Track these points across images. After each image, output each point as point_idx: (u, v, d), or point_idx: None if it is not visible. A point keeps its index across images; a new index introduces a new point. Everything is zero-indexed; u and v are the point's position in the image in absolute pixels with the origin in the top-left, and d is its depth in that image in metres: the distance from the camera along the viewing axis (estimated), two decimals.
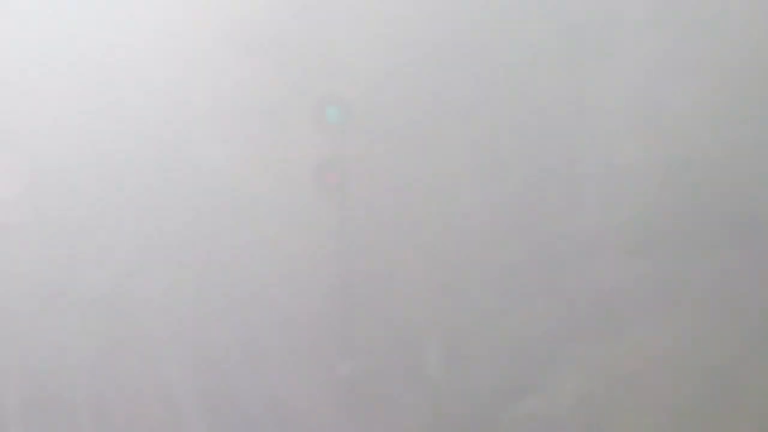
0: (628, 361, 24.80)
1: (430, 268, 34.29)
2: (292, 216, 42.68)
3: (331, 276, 33.68)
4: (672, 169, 24.96)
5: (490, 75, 32.36)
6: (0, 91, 64.17)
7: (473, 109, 33.28)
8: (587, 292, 28.16)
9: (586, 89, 29.75)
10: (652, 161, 26.52)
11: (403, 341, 30.84)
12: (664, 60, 28.09)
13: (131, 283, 47.44)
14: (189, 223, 53.33)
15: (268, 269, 41.93)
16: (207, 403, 31.20)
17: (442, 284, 32.97)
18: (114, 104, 64.63)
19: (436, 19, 34.16)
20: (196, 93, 58.53)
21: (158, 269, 48.52)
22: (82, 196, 58.67)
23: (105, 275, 49.16)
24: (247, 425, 29.43)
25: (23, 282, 44.34)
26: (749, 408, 21.08)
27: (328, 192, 29.91)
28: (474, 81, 33.34)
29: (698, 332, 23.49)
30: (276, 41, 45.37)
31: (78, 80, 66.25)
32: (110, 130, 64.15)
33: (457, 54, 33.51)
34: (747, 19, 25.03)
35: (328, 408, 30.18)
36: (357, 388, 30.79)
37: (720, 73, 25.64)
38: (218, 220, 51.48)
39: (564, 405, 25.45)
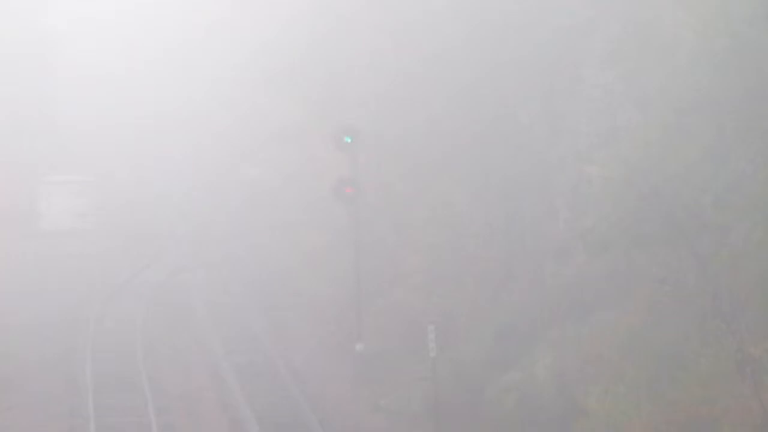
0: (592, 341, 25.45)
1: (429, 263, 34.94)
2: (316, 220, 43.62)
3: (347, 269, 34.65)
4: (629, 181, 24.50)
5: (480, 104, 32.78)
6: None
7: (465, 130, 33.78)
8: (559, 285, 29.01)
9: (558, 115, 30.79)
10: (612, 175, 26.40)
11: (406, 324, 31.67)
12: (622, 89, 28.23)
13: (181, 277, 49.50)
14: (234, 227, 55.43)
15: (295, 263, 43.60)
16: (244, 374, 32.49)
17: (439, 277, 33.86)
18: (183, 139, 68.04)
19: (432, 63, 35.18)
20: (241, 125, 61.24)
21: (209, 261, 50.62)
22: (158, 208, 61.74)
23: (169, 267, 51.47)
24: (278, 393, 30.70)
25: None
26: (691, 379, 22.00)
27: (345, 201, 31.91)
28: (465, 108, 33.59)
29: (649, 317, 24.08)
30: (301, 83, 46.97)
31: (155, 125, 70.66)
32: (180, 156, 67.40)
33: (450, 90, 34.22)
34: (693, 55, 25.07)
35: (345, 378, 32.02)
36: (368, 362, 32.46)
37: (669, 101, 25.42)
38: (256, 223, 53.40)
39: (540, 377, 26.15)
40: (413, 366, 29.57)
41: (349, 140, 30.74)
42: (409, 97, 36.76)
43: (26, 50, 66.11)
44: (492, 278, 31.83)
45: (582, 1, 30.15)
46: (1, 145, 60.85)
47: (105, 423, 28.81)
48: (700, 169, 24.05)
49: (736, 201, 22.67)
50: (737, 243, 22.53)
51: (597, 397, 23.97)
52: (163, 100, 74.30)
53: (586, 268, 28.15)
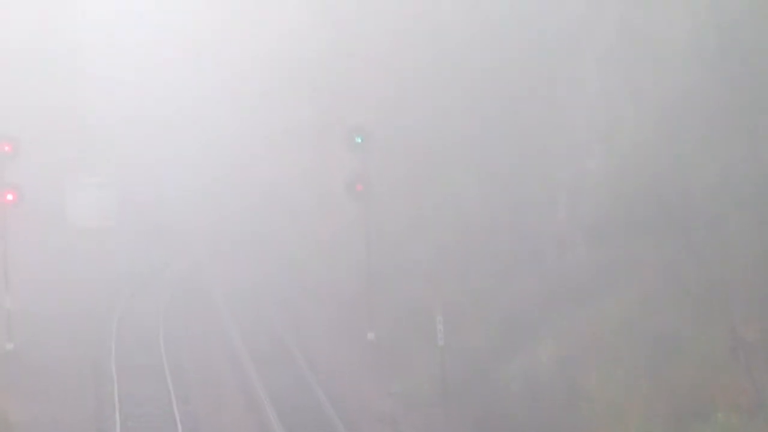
0: (592, 327, 25.35)
1: (437, 255, 34.80)
2: (330, 216, 43.39)
3: (359, 262, 35.01)
4: (626, 174, 25.09)
5: (485, 105, 32.86)
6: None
7: (470, 126, 33.84)
8: (560, 274, 29.10)
9: (559, 111, 30.56)
10: (610, 168, 27.20)
11: (415, 313, 31.60)
12: (619, 88, 28.11)
13: (201, 268, 49.70)
14: (253, 222, 55.67)
15: (310, 256, 43.69)
16: (263, 360, 32.68)
17: (447, 268, 33.64)
18: (202, 139, 68.23)
19: (440, 62, 35.65)
20: (256, 126, 61.43)
21: (226, 256, 50.84)
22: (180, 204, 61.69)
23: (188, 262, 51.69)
24: (295, 379, 30.66)
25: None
26: (686, 362, 21.89)
27: (357, 197, 32.53)
28: (471, 105, 33.72)
29: (646, 304, 24.00)
30: (314, 84, 47.20)
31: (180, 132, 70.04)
32: (199, 156, 67.59)
33: (457, 88, 34.48)
34: (684, 53, 24.64)
35: (359, 365, 32.04)
36: (380, 350, 32.89)
37: (663, 100, 25.47)
38: (275, 219, 53.59)
39: (544, 363, 25.88)
40: (423, 354, 29.52)
41: (360, 140, 31.13)
42: (418, 95, 36.86)
43: (57, 58, 66.93)
44: (497, 269, 31.76)
45: (580, 2, 30.10)
46: (34, 147, 61.41)
47: None
48: (692, 161, 23.85)
49: (727, 191, 22.49)
50: (729, 231, 22.39)
51: (597, 381, 23.79)
52: (182, 102, 74.66)
53: (585, 258, 28.32)
